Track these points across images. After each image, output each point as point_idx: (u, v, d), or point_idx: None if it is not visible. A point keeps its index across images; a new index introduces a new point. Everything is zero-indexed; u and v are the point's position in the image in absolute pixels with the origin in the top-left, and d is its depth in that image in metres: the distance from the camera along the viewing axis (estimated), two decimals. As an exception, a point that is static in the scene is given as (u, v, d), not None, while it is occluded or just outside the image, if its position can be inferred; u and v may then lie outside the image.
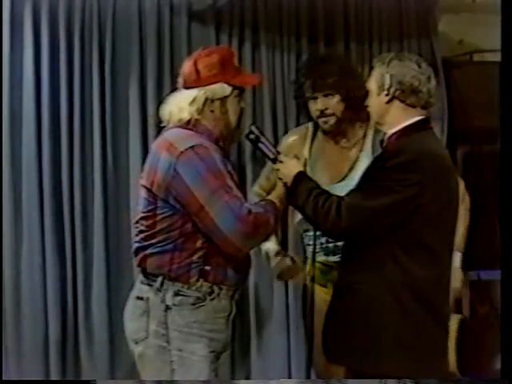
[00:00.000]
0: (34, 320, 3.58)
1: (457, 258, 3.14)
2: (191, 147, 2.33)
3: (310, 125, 3.13)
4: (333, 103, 2.95)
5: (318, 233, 2.76)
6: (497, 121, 3.72)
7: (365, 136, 3.03)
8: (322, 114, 2.96)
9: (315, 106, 2.97)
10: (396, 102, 2.50)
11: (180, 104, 2.44)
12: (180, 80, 2.49)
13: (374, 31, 3.91)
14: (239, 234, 2.31)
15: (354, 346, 2.45)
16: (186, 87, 2.46)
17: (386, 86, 2.49)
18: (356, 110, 2.95)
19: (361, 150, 3.01)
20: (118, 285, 3.67)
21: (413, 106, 2.51)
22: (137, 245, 2.46)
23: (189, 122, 2.43)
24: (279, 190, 2.53)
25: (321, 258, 3.00)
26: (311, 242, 2.96)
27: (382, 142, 2.59)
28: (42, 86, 3.60)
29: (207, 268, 2.38)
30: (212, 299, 2.41)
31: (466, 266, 3.99)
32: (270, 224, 2.38)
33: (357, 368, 2.50)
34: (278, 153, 2.62)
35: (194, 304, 2.38)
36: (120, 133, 3.70)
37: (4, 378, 3.42)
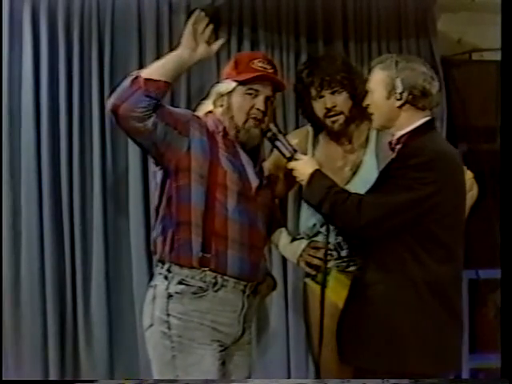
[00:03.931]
0: (33, 320, 3.57)
1: None
2: None
3: (310, 128, 3.12)
4: (341, 100, 2.93)
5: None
6: (495, 120, 3.73)
7: (367, 139, 3.01)
8: (330, 112, 2.94)
9: (322, 105, 2.95)
10: (407, 106, 2.51)
11: (205, 102, 2.69)
12: None
13: (372, 30, 3.90)
14: None
15: (374, 346, 2.47)
16: None
17: (399, 91, 2.49)
18: (362, 108, 2.94)
19: (364, 154, 2.99)
20: (117, 285, 3.68)
21: (423, 109, 2.52)
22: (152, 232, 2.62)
23: (209, 112, 2.64)
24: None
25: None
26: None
27: (390, 143, 2.59)
28: (41, 86, 3.59)
29: (207, 255, 2.46)
30: (216, 290, 2.48)
31: (465, 265, 4.00)
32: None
33: (374, 368, 2.49)
34: (295, 151, 2.67)
35: (195, 293, 2.47)
36: (119, 132, 3.68)
37: (4, 379, 3.42)
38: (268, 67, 2.59)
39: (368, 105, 2.61)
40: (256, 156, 2.64)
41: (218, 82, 2.65)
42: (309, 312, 3.12)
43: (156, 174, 2.59)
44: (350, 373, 2.69)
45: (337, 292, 2.89)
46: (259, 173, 2.64)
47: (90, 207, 3.65)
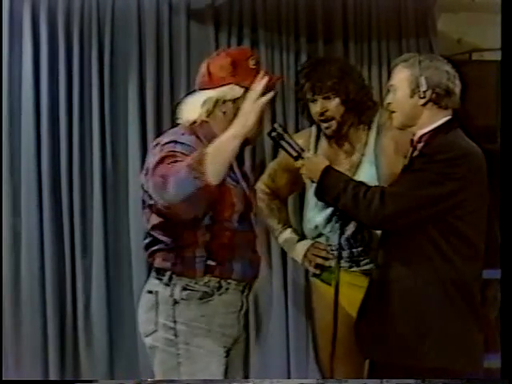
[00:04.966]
0: (33, 320, 3.57)
1: None
2: (168, 142, 2.37)
3: (314, 128, 3.14)
4: (332, 106, 2.95)
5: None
6: (495, 119, 3.73)
7: (367, 140, 3.02)
8: (322, 116, 2.97)
9: (315, 109, 2.98)
10: (430, 105, 2.52)
11: (192, 105, 2.50)
12: (196, 82, 2.55)
13: (372, 30, 3.90)
14: (155, 191, 2.27)
15: (399, 340, 2.47)
16: (200, 89, 2.51)
17: (423, 89, 2.50)
18: (357, 113, 2.96)
19: (363, 155, 3.01)
20: (116, 285, 3.68)
21: (445, 108, 2.53)
22: (146, 241, 2.52)
23: (195, 122, 2.48)
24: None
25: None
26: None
27: (412, 141, 2.60)
28: (41, 86, 3.59)
29: (212, 263, 2.42)
30: (220, 294, 2.45)
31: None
32: (183, 167, 2.23)
33: (397, 362, 2.49)
34: (303, 150, 2.67)
35: (201, 298, 2.43)
36: (119, 132, 3.70)
37: (4, 379, 3.42)
38: (258, 62, 2.53)
39: (389, 103, 2.61)
40: (240, 157, 2.60)
41: (208, 88, 2.50)
42: (313, 310, 3.13)
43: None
44: (361, 371, 2.71)
45: (341, 291, 2.90)
46: (245, 175, 2.59)
47: (90, 207, 3.65)
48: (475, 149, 2.54)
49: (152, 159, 2.36)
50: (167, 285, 2.43)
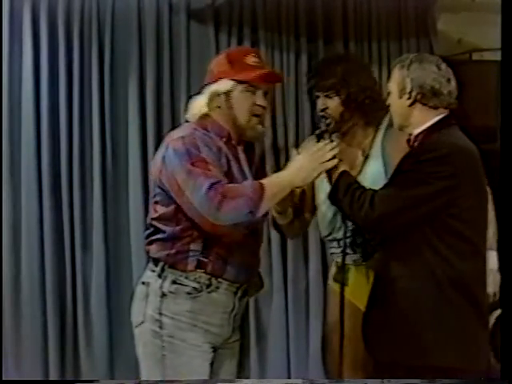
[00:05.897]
0: (33, 320, 3.58)
1: (493, 259, 3.00)
2: (181, 137, 2.45)
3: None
4: (332, 104, 2.97)
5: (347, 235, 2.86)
6: (495, 119, 3.74)
7: (374, 138, 3.02)
8: (322, 112, 2.98)
9: (318, 105, 3.00)
10: (418, 105, 2.54)
11: (196, 101, 2.58)
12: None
13: (372, 30, 3.91)
14: (207, 205, 2.34)
15: (400, 339, 2.46)
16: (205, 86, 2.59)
17: (408, 90, 2.53)
18: (362, 113, 2.96)
19: (369, 155, 3.01)
20: (117, 284, 3.68)
21: (435, 108, 2.53)
22: (147, 231, 2.56)
23: (201, 117, 2.55)
24: (275, 176, 2.53)
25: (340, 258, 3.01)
26: (336, 245, 3.00)
27: (408, 141, 2.61)
28: (41, 86, 3.60)
29: (205, 259, 2.44)
30: (210, 292, 2.46)
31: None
32: (244, 196, 2.37)
33: (400, 361, 2.49)
34: None
35: (189, 293, 2.45)
36: (119, 132, 3.70)
37: (4, 379, 3.43)
38: (260, 61, 2.57)
39: (389, 104, 2.64)
40: (250, 155, 2.62)
41: (209, 84, 2.56)
42: (327, 312, 3.13)
43: (156, 190, 2.51)
44: (369, 370, 2.71)
45: (354, 290, 2.91)
46: (255, 174, 2.60)
47: (90, 207, 3.65)
48: (467, 146, 2.53)
49: (177, 158, 2.41)
50: (159, 276, 2.46)
